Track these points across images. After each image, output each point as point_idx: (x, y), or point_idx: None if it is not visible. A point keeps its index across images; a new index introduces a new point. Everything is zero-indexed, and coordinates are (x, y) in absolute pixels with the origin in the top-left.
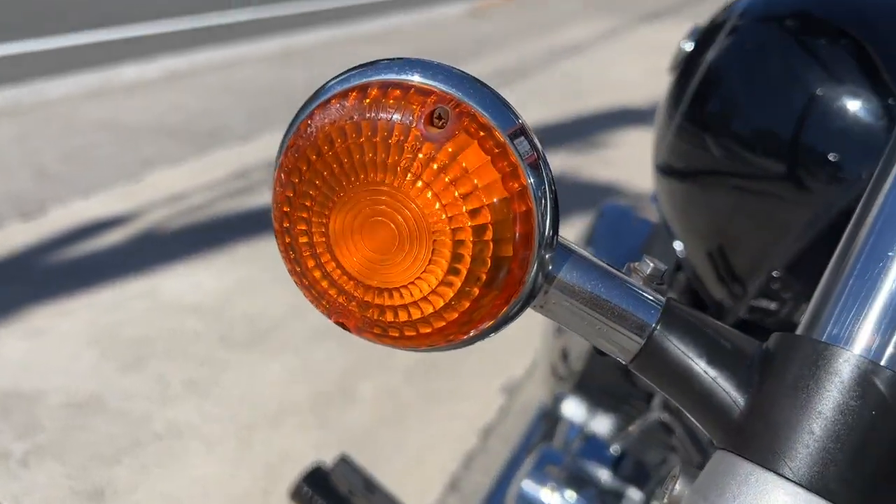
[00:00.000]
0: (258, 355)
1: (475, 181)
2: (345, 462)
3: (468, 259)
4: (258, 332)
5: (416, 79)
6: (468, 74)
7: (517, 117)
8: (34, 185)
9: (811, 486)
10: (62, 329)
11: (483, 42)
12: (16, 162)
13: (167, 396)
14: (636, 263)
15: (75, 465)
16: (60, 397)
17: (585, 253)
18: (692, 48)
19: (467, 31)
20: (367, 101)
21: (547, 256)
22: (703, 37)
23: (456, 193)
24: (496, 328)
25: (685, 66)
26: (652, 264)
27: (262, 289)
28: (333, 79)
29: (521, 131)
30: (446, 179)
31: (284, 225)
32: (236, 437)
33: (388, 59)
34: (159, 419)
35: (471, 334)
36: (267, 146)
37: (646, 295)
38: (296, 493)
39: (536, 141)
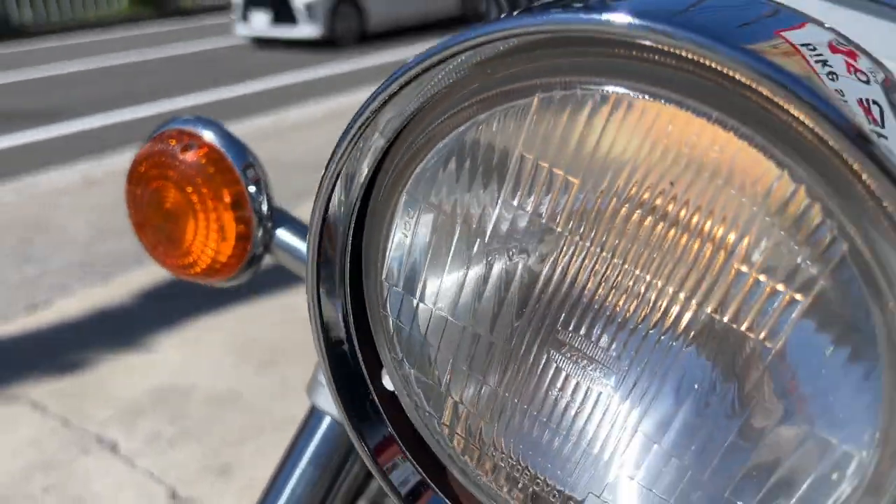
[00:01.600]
0: None
1: (201, 184)
2: None
3: (204, 225)
4: None
5: (186, 128)
6: (220, 126)
7: (249, 155)
8: None
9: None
10: (211, 338)
11: None
12: None
13: (287, 393)
14: None
15: (210, 446)
16: (205, 392)
17: (297, 220)
18: None
19: None
20: (160, 140)
21: (268, 225)
22: None
23: (189, 189)
24: (245, 269)
25: None
26: None
27: None
28: (154, 129)
29: (252, 162)
30: (186, 182)
31: (131, 218)
32: None
33: (184, 117)
34: (279, 411)
35: (233, 273)
36: None
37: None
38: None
39: (261, 169)
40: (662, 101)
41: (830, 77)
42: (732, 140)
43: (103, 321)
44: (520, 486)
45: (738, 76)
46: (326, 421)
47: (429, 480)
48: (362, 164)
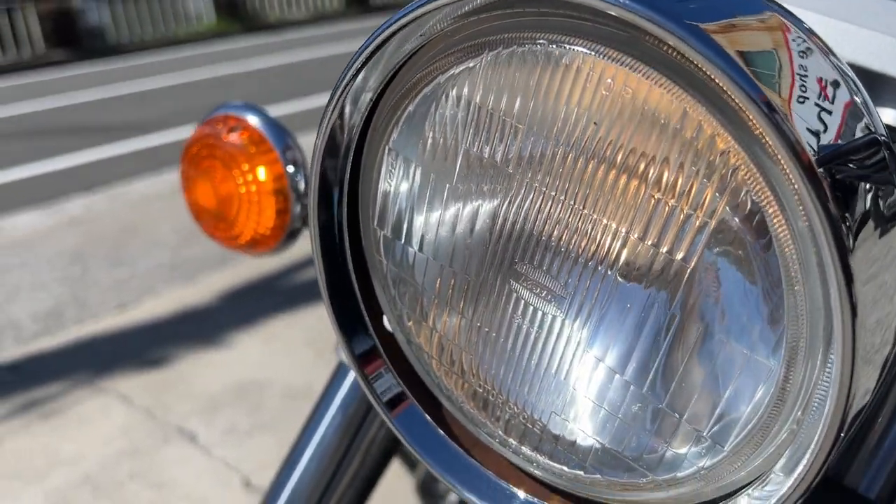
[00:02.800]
0: None
1: (244, 163)
2: None
3: (247, 200)
4: None
5: (232, 113)
6: (262, 112)
7: (289, 137)
8: None
9: None
10: (290, 335)
11: None
12: None
13: None
14: None
15: (284, 437)
16: (281, 387)
17: None
18: None
19: None
20: (209, 124)
21: (306, 201)
22: None
23: (233, 167)
24: (286, 242)
25: None
26: None
27: None
28: (205, 115)
29: (291, 145)
30: (231, 161)
31: (184, 194)
32: None
33: (231, 103)
34: None
35: (274, 245)
36: None
37: None
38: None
39: (300, 153)
40: (595, 55)
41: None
42: (653, 87)
43: (187, 320)
44: (497, 414)
45: (668, 41)
46: (351, 374)
47: (405, 388)
48: (354, 119)
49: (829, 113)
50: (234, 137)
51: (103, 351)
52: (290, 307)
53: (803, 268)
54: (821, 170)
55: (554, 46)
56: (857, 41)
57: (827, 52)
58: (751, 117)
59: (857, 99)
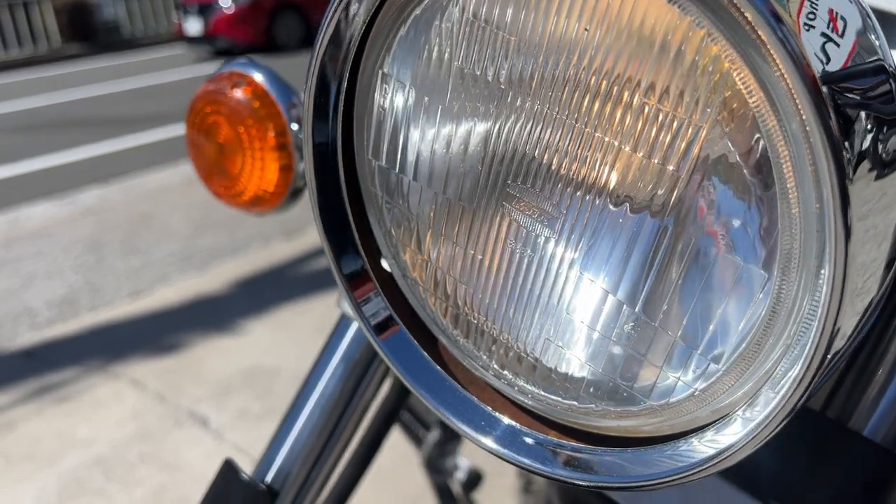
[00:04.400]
0: None
1: (248, 118)
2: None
3: (250, 156)
4: None
5: (237, 69)
6: (268, 69)
7: (294, 94)
8: (299, 211)
9: None
10: (300, 321)
11: None
12: None
13: None
14: None
15: None
16: (292, 372)
17: None
18: None
19: None
20: (215, 81)
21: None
22: None
23: (237, 123)
24: (289, 200)
25: None
26: None
27: None
28: (215, 71)
29: (295, 101)
30: (235, 117)
31: (189, 151)
32: None
33: (237, 60)
34: None
35: (278, 203)
36: None
37: None
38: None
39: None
40: None
41: None
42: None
43: (199, 307)
44: (491, 346)
45: None
46: (353, 326)
47: (393, 311)
48: (347, 46)
49: (839, 41)
50: (238, 93)
51: (116, 337)
52: (300, 295)
53: (797, 172)
54: (825, 88)
55: None
56: None
57: None
58: (749, 21)
59: (869, 33)
